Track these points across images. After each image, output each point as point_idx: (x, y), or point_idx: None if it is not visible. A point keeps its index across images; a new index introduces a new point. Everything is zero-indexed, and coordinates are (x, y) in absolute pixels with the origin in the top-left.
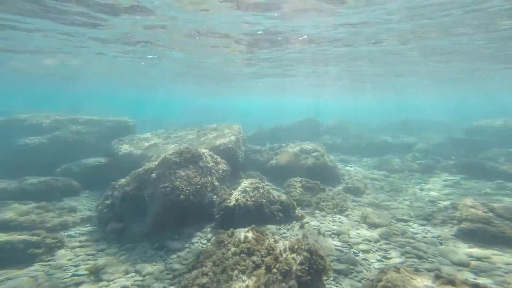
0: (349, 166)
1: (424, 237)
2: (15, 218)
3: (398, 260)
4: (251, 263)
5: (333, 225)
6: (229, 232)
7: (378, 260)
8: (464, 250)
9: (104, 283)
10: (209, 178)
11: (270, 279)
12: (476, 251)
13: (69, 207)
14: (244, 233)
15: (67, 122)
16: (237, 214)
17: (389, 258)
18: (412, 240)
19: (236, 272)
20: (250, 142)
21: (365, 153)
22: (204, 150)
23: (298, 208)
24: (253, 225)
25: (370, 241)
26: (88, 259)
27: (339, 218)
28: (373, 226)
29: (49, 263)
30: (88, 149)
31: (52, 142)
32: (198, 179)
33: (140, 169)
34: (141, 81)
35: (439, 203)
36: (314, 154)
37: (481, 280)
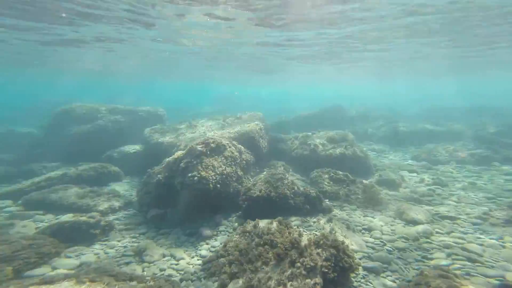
0: (383, 157)
1: (478, 237)
2: (76, 201)
3: (443, 262)
4: (274, 256)
5: (364, 220)
6: (254, 223)
7: (417, 260)
8: None
9: (146, 264)
10: (234, 168)
11: (293, 273)
12: None
13: (115, 192)
14: (267, 225)
15: (108, 112)
16: (261, 205)
17: (431, 259)
18: (461, 241)
19: (259, 263)
20: (274, 131)
21: (401, 142)
22: (227, 140)
23: (325, 201)
24: (279, 218)
25: (407, 239)
26: (132, 241)
27: (371, 213)
28: (411, 222)
29: (105, 243)
30: (125, 137)
31: (96, 131)
32: (223, 168)
33: (170, 158)
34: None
35: (499, 200)
36: (343, 143)
37: None
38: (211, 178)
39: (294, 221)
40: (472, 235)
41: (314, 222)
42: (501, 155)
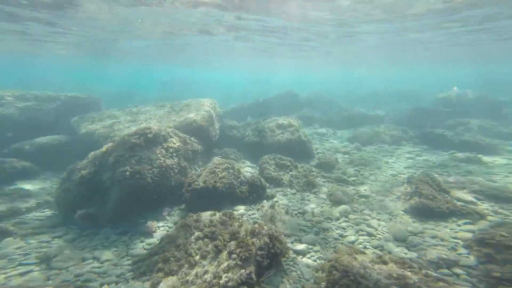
0: (325, 139)
1: (379, 213)
2: None
3: (352, 238)
4: (214, 248)
5: (301, 204)
6: (196, 216)
7: (335, 239)
8: (407, 226)
9: (55, 271)
10: (176, 159)
11: (229, 265)
12: (416, 226)
13: (21, 191)
14: (210, 216)
15: (15, 99)
16: (206, 196)
17: (345, 236)
18: (367, 217)
19: (197, 257)
20: (231, 117)
21: (342, 125)
22: (170, 129)
23: (271, 186)
24: (224, 209)
25: (331, 219)
26: (41, 247)
27: (308, 196)
28: (336, 203)
29: None
30: (45, 128)
31: None
32: (162, 160)
33: (97, 151)
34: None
35: (399, 176)
36: (290, 129)
37: (409, 255)
38: (146, 172)
39: (239, 210)
40: (377, 211)
41: (258, 209)
42: (407, 135)
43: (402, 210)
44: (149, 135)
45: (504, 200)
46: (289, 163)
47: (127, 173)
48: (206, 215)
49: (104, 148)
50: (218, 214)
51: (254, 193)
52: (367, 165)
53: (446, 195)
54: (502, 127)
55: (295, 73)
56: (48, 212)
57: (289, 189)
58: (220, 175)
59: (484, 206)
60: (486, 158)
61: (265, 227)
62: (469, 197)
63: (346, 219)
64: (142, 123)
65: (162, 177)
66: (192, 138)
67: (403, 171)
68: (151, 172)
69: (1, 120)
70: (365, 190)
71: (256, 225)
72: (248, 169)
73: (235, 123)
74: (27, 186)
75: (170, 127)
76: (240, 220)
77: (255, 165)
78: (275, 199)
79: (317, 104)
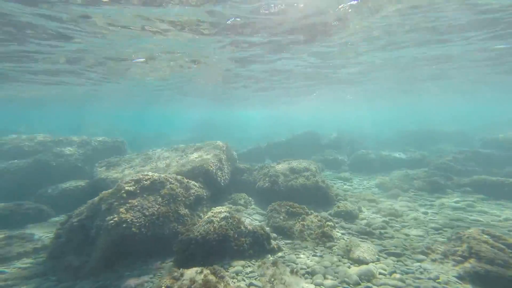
0: (348, 185)
1: (417, 278)
2: None
3: None
4: None
5: (311, 261)
6: (177, 274)
7: None
8: None
9: None
10: (173, 206)
11: None
12: None
13: (24, 235)
14: (195, 274)
15: (52, 144)
16: (196, 250)
17: None
18: (401, 284)
19: None
20: (247, 159)
21: (369, 169)
22: (170, 175)
23: (279, 238)
24: (213, 265)
25: (348, 283)
26: None
27: (321, 251)
28: (356, 262)
29: None
30: (72, 172)
31: (34, 166)
32: (156, 208)
33: (96, 198)
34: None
35: (444, 231)
36: (305, 173)
37: None
38: (135, 220)
39: (236, 266)
40: (413, 274)
41: (259, 265)
42: (453, 183)
43: (454, 276)
44: (145, 182)
45: None
46: (301, 211)
47: (112, 221)
48: (190, 273)
49: (101, 194)
50: (204, 272)
51: (256, 246)
52: (399, 216)
53: None
54: None
55: (317, 111)
56: (40, 259)
57: (299, 242)
58: (215, 225)
59: None
60: None
61: None
62: None
63: (369, 285)
64: (152, 168)
65: (155, 226)
66: (197, 184)
67: (450, 224)
68: (140, 221)
69: (40, 166)
70: (396, 247)
71: None
72: (256, 217)
73: (248, 166)
74: (36, 229)
75: (173, 173)
76: (226, 281)
77: (265, 212)
78: (280, 254)
79: (342, 145)
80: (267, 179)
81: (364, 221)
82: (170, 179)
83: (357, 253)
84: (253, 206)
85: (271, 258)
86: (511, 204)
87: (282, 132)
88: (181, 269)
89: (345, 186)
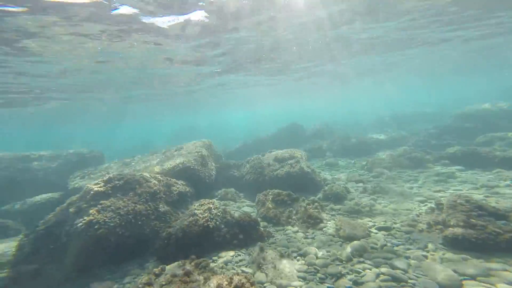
0: (335, 170)
1: (407, 249)
2: None
3: (371, 286)
4: None
5: (302, 244)
6: (158, 270)
7: None
8: (455, 265)
9: None
10: (151, 204)
11: None
12: (471, 265)
13: None
14: (177, 269)
15: (15, 160)
16: (177, 244)
17: (361, 284)
18: (391, 255)
19: None
20: (235, 157)
21: (354, 153)
22: (147, 174)
23: (269, 226)
24: (192, 257)
25: (340, 260)
26: None
27: (312, 233)
28: (348, 239)
29: None
30: (45, 186)
31: None
32: (132, 207)
33: (64, 204)
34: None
35: (429, 202)
36: (290, 161)
37: None
38: (108, 221)
39: (225, 257)
40: (403, 246)
41: (250, 253)
42: (432, 157)
43: (440, 244)
44: (117, 182)
45: None
46: (287, 198)
47: (82, 224)
48: (171, 268)
49: (70, 199)
50: (188, 266)
51: (244, 234)
52: (386, 193)
53: (502, 222)
54: None
55: (296, 107)
56: (3, 274)
57: (289, 227)
58: (199, 217)
59: None
60: None
61: (246, 279)
62: None
63: (361, 259)
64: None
65: (132, 225)
66: (179, 181)
67: (432, 196)
68: (114, 221)
69: (4, 184)
70: (385, 222)
71: (237, 278)
72: (247, 209)
73: (235, 162)
74: (0, 245)
75: (155, 172)
76: (206, 274)
77: (254, 204)
78: (271, 240)
79: (325, 135)
80: (253, 170)
81: (353, 201)
82: (146, 177)
83: (348, 230)
84: (242, 199)
85: (262, 244)
86: (484, 172)
87: (267, 129)
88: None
89: (332, 171)
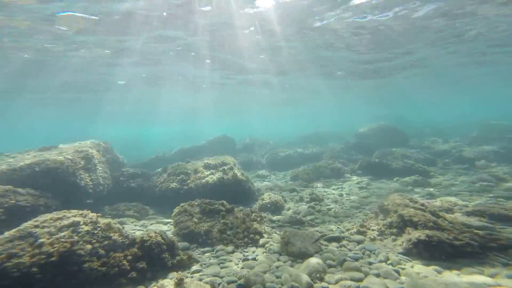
0: (267, 181)
1: (370, 264)
2: None
3: None
4: None
5: (241, 267)
6: None
7: None
8: (443, 281)
9: None
10: None
11: None
12: (458, 279)
13: None
14: None
15: None
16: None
17: None
18: (358, 275)
19: None
20: (148, 168)
21: (283, 166)
22: None
23: (193, 247)
24: None
25: None
26: None
27: (254, 252)
28: (298, 256)
29: None
30: None
31: None
32: None
33: None
34: None
35: (362, 208)
36: (222, 168)
37: None
38: None
39: None
40: (363, 260)
41: None
42: (349, 168)
43: (400, 253)
44: None
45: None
46: (220, 208)
47: None
48: None
49: None
50: None
51: (144, 263)
52: (321, 200)
53: (446, 221)
54: (418, 154)
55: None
56: None
57: (222, 247)
58: (52, 240)
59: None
60: (432, 180)
61: None
62: (477, 222)
63: (325, 285)
64: None
65: None
66: (26, 190)
67: (364, 201)
68: None
69: None
70: (332, 230)
71: None
72: (160, 228)
73: (143, 171)
74: None
75: None
76: None
77: (170, 220)
78: (196, 267)
79: (255, 149)
80: (173, 178)
81: (291, 211)
82: None
83: (298, 244)
84: (152, 215)
85: (180, 275)
86: (389, 180)
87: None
88: None
89: (264, 182)
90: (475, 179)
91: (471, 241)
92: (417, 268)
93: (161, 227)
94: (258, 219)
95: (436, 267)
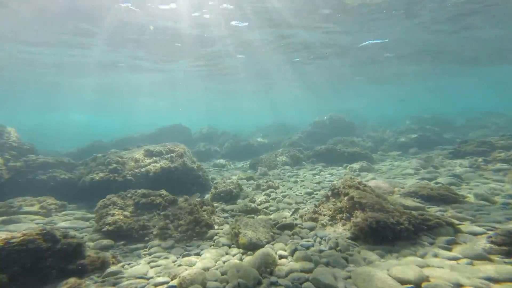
0: (225, 170)
1: (321, 252)
2: None
3: None
4: None
5: (178, 265)
6: None
7: None
8: (386, 266)
9: None
10: None
11: None
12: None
13: None
14: None
15: None
16: None
17: None
18: (309, 266)
19: None
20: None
21: (242, 156)
22: None
23: (120, 244)
24: None
25: (246, 285)
26: None
27: (198, 246)
28: (250, 248)
29: None
30: None
31: None
32: None
33: None
34: None
35: (315, 194)
36: (168, 155)
37: None
38: None
39: None
40: (314, 248)
41: None
42: (304, 155)
43: (349, 239)
44: None
45: (447, 201)
46: (159, 199)
47: None
48: None
49: None
50: None
51: (21, 269)
52: (276, 188)
53: (390, 204)
54: (364, 142)
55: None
56: None
57: (157, 242)
58: None
59: (436, 211)
60: (375, 166)
61: None
62: (412, 203)
63: (273, 279)
64: None
65: None
66: None
67: (317, 187)
68: None
69: None
70: (286, 218)
71: None
72: (73, 224)
73: (60, 159)
74: None
75: None
76: None
77: (92, 216)
78: (115, 268)
79: (214, 138)
80: (102, 167)
81: (247, 199)
82: None
83: (249, 234)
84: (66, 212)
85: (74, 281)
86: (339, 167)
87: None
88: None
89: (221, 172)
90: (408, 164)
91: (409, 226)
92: (363, 253)
93: (78, 224)
94: (209, 208)
95: (380, 251)
